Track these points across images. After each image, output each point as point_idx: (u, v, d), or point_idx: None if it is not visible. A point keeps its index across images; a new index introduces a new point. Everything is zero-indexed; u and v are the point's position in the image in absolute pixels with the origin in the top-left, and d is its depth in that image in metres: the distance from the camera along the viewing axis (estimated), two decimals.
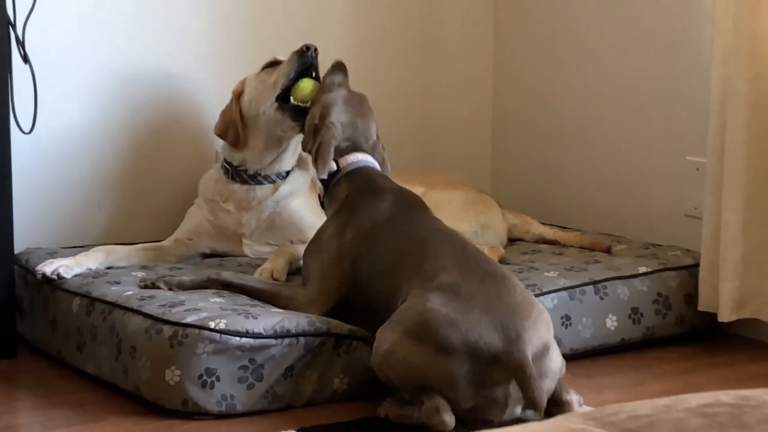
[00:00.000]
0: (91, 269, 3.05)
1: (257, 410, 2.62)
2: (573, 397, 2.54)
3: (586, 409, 2.55)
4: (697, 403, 1.25)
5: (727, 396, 1.27)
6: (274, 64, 3.27)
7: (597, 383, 2.86)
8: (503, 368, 2.41)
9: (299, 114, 3.11)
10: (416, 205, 2.87)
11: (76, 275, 3.01)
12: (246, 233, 3.26)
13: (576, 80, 3.79)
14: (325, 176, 2.91)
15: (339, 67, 3.09)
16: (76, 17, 3.41)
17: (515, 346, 2.41)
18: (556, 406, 2.50)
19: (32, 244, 3.30)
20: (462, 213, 3.37)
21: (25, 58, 3.13)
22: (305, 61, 3.16)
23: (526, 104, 3.97)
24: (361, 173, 2.90)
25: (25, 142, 3.23)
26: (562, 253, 3.33)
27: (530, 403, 2.40)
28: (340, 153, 2.93)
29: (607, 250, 3.33)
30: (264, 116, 3.22)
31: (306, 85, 3.12)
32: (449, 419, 2.41)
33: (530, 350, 2.42)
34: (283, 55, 3.25)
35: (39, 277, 3.01)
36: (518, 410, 2.47)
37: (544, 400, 2.40)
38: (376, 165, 2.97)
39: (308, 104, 3.09)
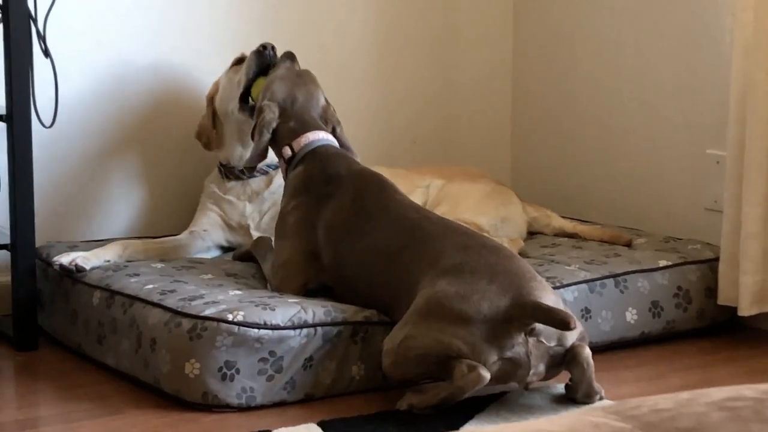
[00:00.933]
0: (108, 261, 3.06)
1: (277, 402, 2.63)
2: (585, 345, 2.55)
3: (607, 402, 2.56)
4: (719, 397, 1.25)
5: (749, 390, 1.27)
6: (241, 60, 3.31)
7: (617, 377, 2.86)
8: (520, 320, 2.45)
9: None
10: (378, 185, 2.86)
11: (94, 267, 3.02)
12: (252, 225, 3.28)
13: (595, 73, 3.78)
14: (253, 165, 2.97)
15: (287, 56, 3.11)
16: (97, 11, 3.42)
17: (526, 299, 2.47)
18: (567, 353, 2.53)
19: (53, 238, 3.32)
20: (481, 206, 3.37)
21: (46, 53, 3.14)
22: (263, 61, 3.19)
23: (545, 97, 3.97)
24: (317, 155, 2.90)
25: (46, 136, 3.24)
26: (581, 247, 3.32)
27: (560, 325, 2.42)
28: (293, 134, 2.93)
29: (628, 244, 3.33)
30: (233, 115, 3.28)
31: (259, 85, 3.16)
32: (485, 373, 2.43)
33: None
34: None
35: (56, 267, 3.02)
36: (542, 368, 2.49)
37: (572, 318, 2.42)
38: (331, 139, 2.96)
39: None
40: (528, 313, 2.45)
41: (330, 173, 2.87)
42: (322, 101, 3.04)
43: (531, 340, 2.46)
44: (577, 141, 3.87)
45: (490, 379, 2.46)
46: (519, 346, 2.46)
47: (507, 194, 3.50)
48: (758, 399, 1.24)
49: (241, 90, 3.22)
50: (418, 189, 3.42)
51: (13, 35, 2.97)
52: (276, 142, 2.97)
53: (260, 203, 3.29)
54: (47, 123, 3.18)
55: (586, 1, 3.79)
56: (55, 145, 3.35)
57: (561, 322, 2.42)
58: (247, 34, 3.62)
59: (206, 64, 3.55)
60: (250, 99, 3.20)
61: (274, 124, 2.94)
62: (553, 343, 2.50)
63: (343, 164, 2.90)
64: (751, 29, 3.04)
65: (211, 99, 3.35)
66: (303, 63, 3.40)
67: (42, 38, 3.14)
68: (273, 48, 3.20)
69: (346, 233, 2.79)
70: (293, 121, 2.95)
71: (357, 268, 2.76)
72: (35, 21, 3.11)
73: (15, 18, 2.97)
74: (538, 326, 2.46)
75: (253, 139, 2.99)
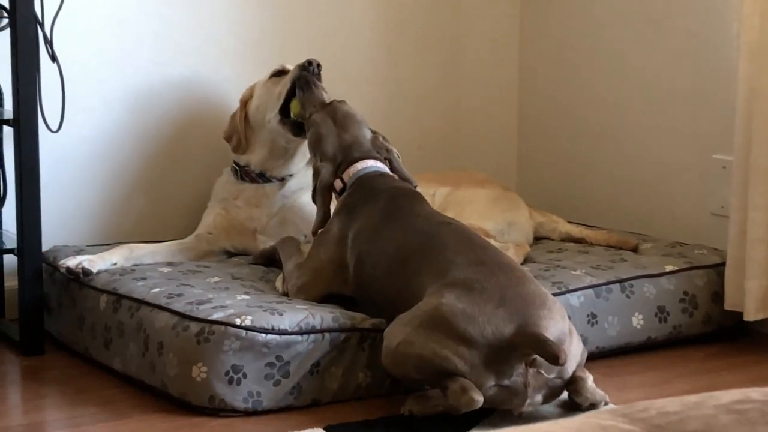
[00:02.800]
0: (115, 264, 3.07)
1: (283, 406, 2.63)
2: (587, 374, 2.55)
3: (612, 407, 2.55)
4: (727, 400, 1.25)
5: (756, 393, 1.27)
6: (281, 72, 3.31)
7: (623, 382, 2.86)
8: (520, 350, 2.42)
9: (299, 129, 3.20)
10: (409, 197, 2.87)
11: (100, 271, 3.03)
12: (258, 228, 3.29)
13: (602, 78, 3.79)
14: (316, 229, 2.97)
15: (303, 85, 3.12)
16: (104, 17, 3.43)
17: (531, 329, 2.42)
18: (569, 384, 2.51)
19: (60, 242, 3.32)
20: (488, 210, 3.37)
21: (53, 57, 3.15)
22: (305, 76, 3.19)
23: (552, 102, 3.97)
24: (362, 180, 2.94)
25: (52, 140, 3.25)
26: (588, 252, 3.32)
27: (550, 358, 2.38)
28: (343, 170, 2.98)
29: (635, 249, 3.33)
30: (269, 125, 3.29)
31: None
32: (477, 396, 2.41)
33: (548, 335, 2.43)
34: (293, 64, 3.29)
35: (63, 270, 3.03)
36: (539, 398, 2.48)
37: (562, 354, 2.37)
38: (379, 165, 2.99)
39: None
40: (526, 343, 2.42)
41: (367, 191, 2.89)
42: (369, 135, 3.06)
43: (531, 370, 2.44)
44: (584, 146, 3.87)
45: (485, 401, 2.44)
46: (518, 375, 2.43)
47: (513, 199, 3.50)
48: (766, 402, 1.24)
49: (281, 102, 3.23)
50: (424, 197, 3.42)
51: (20, 40, 2.98)
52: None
53: (269, 206, 3.29)
54: (54, 127, 3.19)
55: (593, 6, 3.79)
56: (62, 150, 3.36)
57: (551, 355, 2.37)
58: (255, 38, 3.63)
59: (212, 68, 3.56)
60: (290, 113, 3.21)
61: (330, 183, 2.98)
62: (552, 375, 2.47)
63: (382, 182, 2.92)
64: (756, 34, 3.04)
65: (244, 103, 3.35)
66: None
67: (49, 43, 3.15)
68: (318, 65, 3.20)
69: (368, 238, 2.80)
70: (344, 164, 2.99)
71: (372, 271, 2.76)
72: (42, 25, 3.12)
73: (22, 22, 2.98)
74: (539, 357, 2.43)
75: (314, 201, 3.01)
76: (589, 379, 2.55)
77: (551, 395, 2.51)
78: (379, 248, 2.76)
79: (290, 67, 3.29)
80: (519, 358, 2.43)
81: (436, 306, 2.49)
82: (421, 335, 2.47)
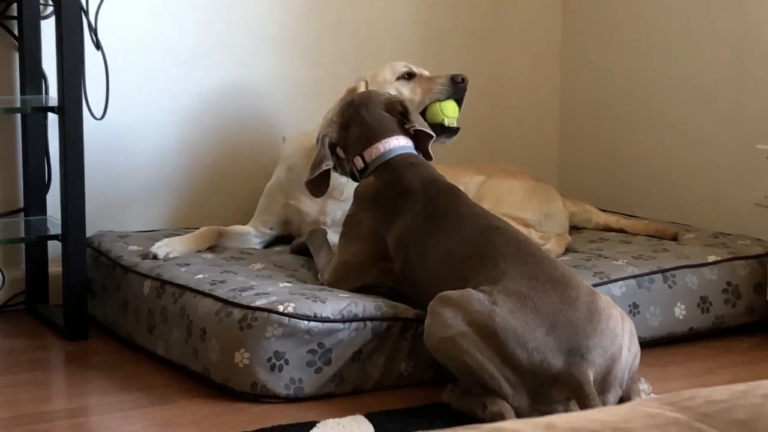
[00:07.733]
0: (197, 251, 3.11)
1: (325, 393, 2.64)
2: (642, 396, 2.51)
3: (658, 396, 2.54)
4: None
5: None
6: (410, 75, 3.23)
7: (665, 372, 2.85)
8: (563, 389, 2.40)
9: (452, 133, 3.18)
10: (448, 195, 2.80)
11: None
12: (328, 222, 3.24)
13: (644, 67, 3.77)
14: (317, 196, 2.94)
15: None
16: (147, 6, 3.45)
17: (578, 368, 2.38)
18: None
19: (104, 227, 3.35)
20: (525, 202, 3.36)
21: (98, 45, 3.18)
22: (457, 90, 3.19)
23: (593, 92, 3.95)
24: (390, 167, 2.85)
25: (97, 128, 3.27)
26: (630, 242, 3.31)
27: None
28: (362, 144, 2.89)
29: (674, 238, 3.31)
30: None
31: (452, 107, 3.18)
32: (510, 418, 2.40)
33: (593, 370, 2.39)
34: (415, 65, 3.26)
35: (150, 258, 3.04)
36: None
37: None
38: (402, 145, 2.89)
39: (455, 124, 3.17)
40: (569, 386, 2.38)
41: (402, 187, 2.82)
42: (383, 96, 2.97)
43: (572, 401, 2.40)
44: (626, 135, 3.85)
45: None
46: (558, 405, 2.42)
47: (548, 190, 3.49)
48: None
49: (421, 107, 3.17)
50: (459, 185, 3.41)
51: (65, 28, 3.00)
52: (347, 154, 2.93)
53: (345, 200, 3.18)
54: (98, 115, 3.21)
55: None
56: (106, 137, 3.38)
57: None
58: (295, 29, 3.63)
59: (253, 57, 3.57)
60: (443, 119, 3.17)
61: (327, 137, 2.89)
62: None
63: (416, 176, 2.83)
64: None
65: None
66: (351, 58, 3.41)
67: (93, 31, 3.17)
68: (466, 80, 3.20)
69: (416, 239, 2.74)
70: (357, 127, 2.90)
71: (422, 273, 2.71)
72: (87, 14, 3.14)
73: (67, 11, 3.00)
74: None
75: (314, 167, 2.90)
76: (640, 391, 2.50)
77: None
78: (426, 254, 2.71)
79: (417, 70, 3.23)
80: (561, 392, 2.40)
81: (489, 314, 2.43)
82: (469, 342, 2.44)
